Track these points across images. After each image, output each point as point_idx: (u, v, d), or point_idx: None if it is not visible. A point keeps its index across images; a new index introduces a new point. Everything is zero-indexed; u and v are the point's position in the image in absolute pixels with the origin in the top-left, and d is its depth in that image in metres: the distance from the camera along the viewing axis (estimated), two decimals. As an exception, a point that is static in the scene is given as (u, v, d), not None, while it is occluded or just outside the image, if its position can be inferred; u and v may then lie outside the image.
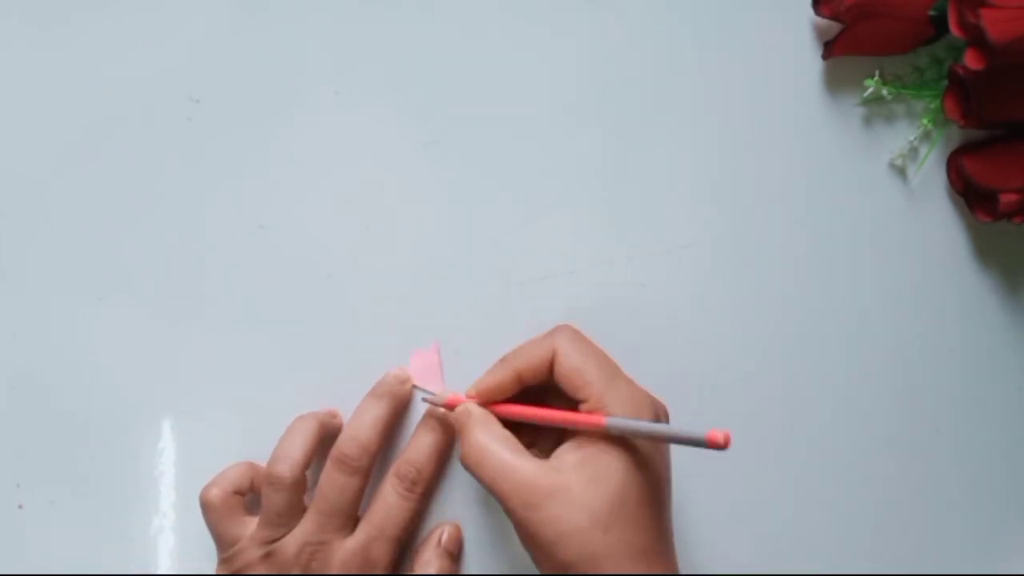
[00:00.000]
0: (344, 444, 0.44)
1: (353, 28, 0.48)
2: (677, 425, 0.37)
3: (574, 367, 0.41)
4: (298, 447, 0.44)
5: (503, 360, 0.43)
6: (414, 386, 0.47)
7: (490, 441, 0.41)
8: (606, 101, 0.49)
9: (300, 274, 0.47)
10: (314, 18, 0.48)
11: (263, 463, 0.45)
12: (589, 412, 0.40)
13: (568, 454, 0.40)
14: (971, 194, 0.49)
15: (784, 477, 0.49)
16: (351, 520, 0.44)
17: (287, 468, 0.43)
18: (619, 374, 0.41)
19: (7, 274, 0.48)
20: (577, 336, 0.42)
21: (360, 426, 0.44)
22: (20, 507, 0.47)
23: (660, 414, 0.41)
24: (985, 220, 0.48)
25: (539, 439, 0.44)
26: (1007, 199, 0.46)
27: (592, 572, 0.38)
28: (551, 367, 0.42)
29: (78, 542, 0.47)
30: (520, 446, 0.41)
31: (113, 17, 0.48)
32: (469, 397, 0.43)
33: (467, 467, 0.41)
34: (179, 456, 0.47)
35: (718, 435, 0.36)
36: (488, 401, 0.43)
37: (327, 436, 0.45)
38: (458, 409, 0.43)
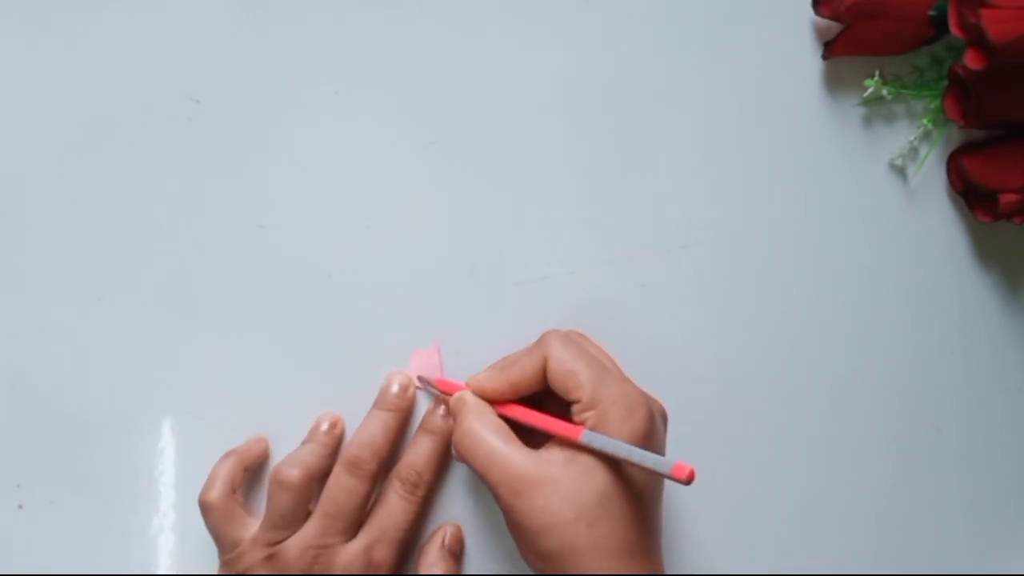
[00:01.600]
0: (356, 448, 0.44)
1: (353, 28, 0.48)
2: (648, 453, 0.38)
3: (565, 370, 0.41)
4: (309, 454, 0.45)
5: (498, 370, 0.43)
6: (416, 388, 0.47)
7: (482, 429, 0.41)
8: (606, 101, 0.49)
9: (300, 274, 0.47)
10: (314, 18, 0.48)
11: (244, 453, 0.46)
12: (569, 422, 0.41)
13: (559, 448, 0.41)
14: (971, 194, 0.49)
15: (784, 477, 0.49)
16: (355, 525, 0.44)
17: (298, 470, 0.43)
18: (610, 375, 0.41)
19: (7, 274, 0.48)
20: (567, 339, 0.42)
21: (372, 433, 0.45)
22: (20, 507, 0.47)
23: (655, 413, 0.41)
24: (985, 220, 0.48)
25: (535, 433, 0.44)
26: (1007, 199, 0.46)
27: (574, 564, 0.39)
28: (544, 375, 0.42)
29: (78, 542, 0.47)
30: (513, 436, 0.41)
31: (113, 17, 0.48)
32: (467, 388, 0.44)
33: (459, 454, 0.42)
34: (179, 456, 0.47)
35: (683, 469, 0.37)
36: None
37: (332, 459, 0.46)
38: (454, 397, 0.43)
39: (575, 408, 0.41)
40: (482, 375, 0.44)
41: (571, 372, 0.41)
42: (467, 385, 0.44)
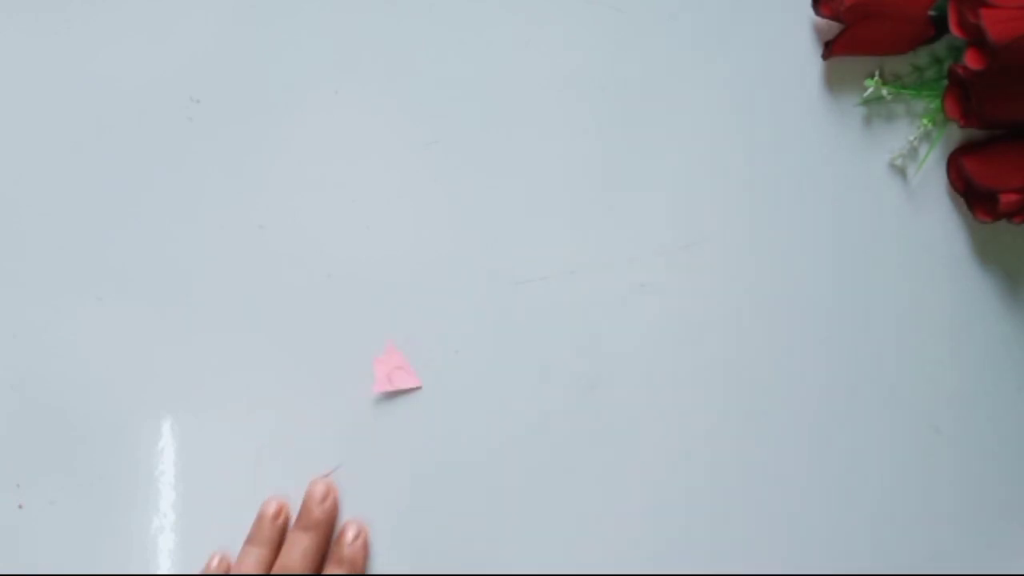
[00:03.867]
0: None
1: (353, 27, 0.48)
2: None
3: None
4: (256, 566, 0.45)
5: None
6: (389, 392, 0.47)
7: None
8: (606, 101, 0.49)
9: (300, 274, 0.47)
10: (314, 18, 0.48)
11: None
12: None
13: None
14: (971, 194, 0.49)
15: (783, 477, 0.49)
16: None
17: None
18: None
19: (7, 274, 0.48)
20: None
21: (290, 563, 0.44)
22: (20, 507, 0.47)
23: None
24: (985, 220, 0.48)
25: None
26: (1007, 199, 0.46)
27: None
28: None
29: (78, 542, 0.47)
30: None
31: (113, 17, 0.48)
32: None
33: None
34: (179, 456, 0.47)
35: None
36: None
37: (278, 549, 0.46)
38: None
39: None
40: None
41: None
42: None
